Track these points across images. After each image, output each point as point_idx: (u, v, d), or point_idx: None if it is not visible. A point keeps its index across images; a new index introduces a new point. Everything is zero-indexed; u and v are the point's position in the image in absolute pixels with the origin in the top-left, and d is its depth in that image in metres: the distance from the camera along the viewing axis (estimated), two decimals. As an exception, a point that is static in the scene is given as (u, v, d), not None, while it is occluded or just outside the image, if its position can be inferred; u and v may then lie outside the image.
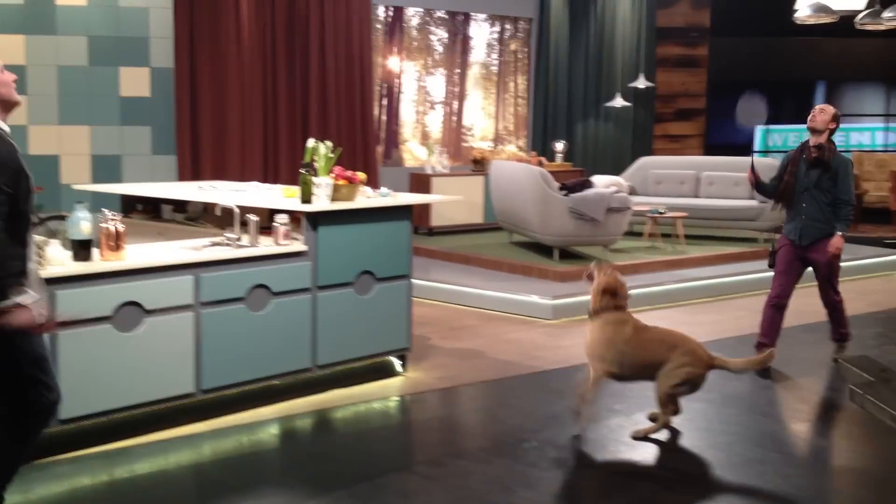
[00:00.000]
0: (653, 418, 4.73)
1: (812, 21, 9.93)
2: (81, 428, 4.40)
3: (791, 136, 14.85)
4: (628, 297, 4.71)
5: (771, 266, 6.08)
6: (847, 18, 10.21)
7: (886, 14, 9.69)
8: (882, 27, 10.02)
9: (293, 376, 5.18)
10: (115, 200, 6.42)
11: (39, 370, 3.32)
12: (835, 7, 9.79)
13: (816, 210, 5.79)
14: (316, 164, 5.33)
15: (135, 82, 9.55)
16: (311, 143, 5.40)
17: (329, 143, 5.40)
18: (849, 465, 4.39)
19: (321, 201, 5.19)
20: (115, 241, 4.37)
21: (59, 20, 9.22)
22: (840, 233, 5.75)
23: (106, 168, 9.42)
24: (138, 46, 9.54)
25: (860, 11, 10.13)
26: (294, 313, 5.08)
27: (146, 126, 9.64)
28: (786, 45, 14.10)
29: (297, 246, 5.11)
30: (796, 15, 10.04)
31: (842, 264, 6.05)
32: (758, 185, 6.02)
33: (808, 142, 5.89)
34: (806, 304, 8.02)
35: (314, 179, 5.20)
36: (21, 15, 9.11)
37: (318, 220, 5.15)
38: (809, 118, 5.86)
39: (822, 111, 5.84)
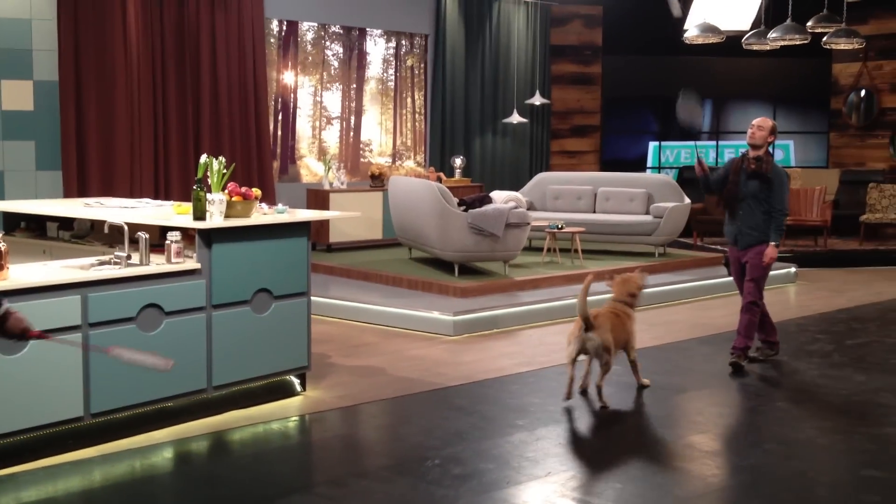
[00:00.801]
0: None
1: (700, 41, 10.26)
2: (-42, 459, 4.15)
3: (683, 152, 15.30)
4: (623, 293, 5.80)
5: (730, 274, 6.62)
6: (734, 39, 10.61)
7: (771, 35, 10.10)
8: (767, 47, 10.44)
9: (188, 398, 5.00)
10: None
11: None
12: (722, 28, 10.15)
13: (752, 218, 6.15)
14: (209, 180, 5.19)
15: (17, 95, 9.13)
16: (203, 158, 5.27)
17: (222, 159, 5.28)
18: (748, 475, 4.49)
19: (215, 218, 5.06)
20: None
21: (-65, 30, 8.76)
22: (774, 243, 6.07)
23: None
24: (21, 58, 9.14)
25: (747, 32, 10.54)
26: (188, 333, 4.92)
27: (29, 141, 9.22)
28: (676, 63, 14.55)
29: (191, 264, 4.95)
30: (685, 35, 10.36)
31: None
32: (706, 180, 6.32)
33: (747, 152, 6.22)
34: (701, 316, 8.28)
35: (207, 196, 5.07)
36: None
37: (211, 237, 5.01)
38: (749, 135, 6.22)
39: (759, 128, 6.18)
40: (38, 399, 4.31)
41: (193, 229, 5.00)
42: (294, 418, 5.23)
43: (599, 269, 9.23)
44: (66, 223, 6.14)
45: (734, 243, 6.30)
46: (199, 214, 5.04)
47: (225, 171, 5.23)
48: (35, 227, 6.28)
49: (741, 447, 4.93)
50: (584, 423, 5.16)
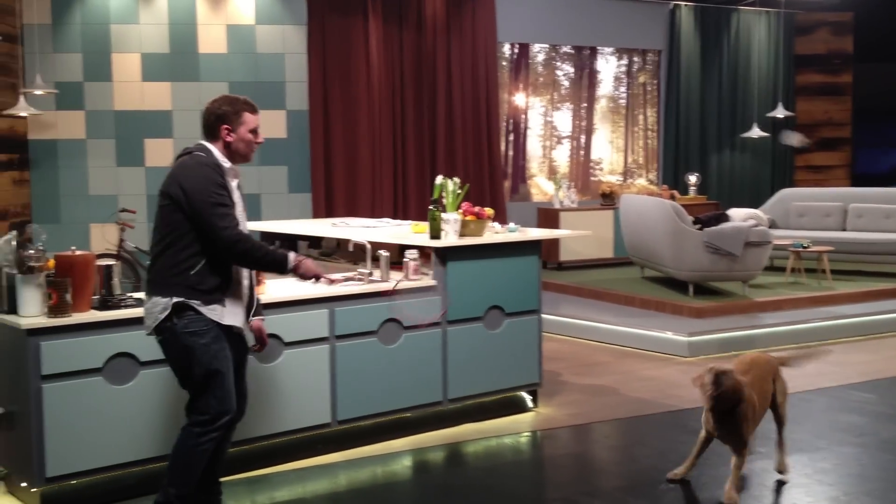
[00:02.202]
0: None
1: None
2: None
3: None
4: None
5: None
6: None
7: None
8: None
9: (425, 409, 5.17)
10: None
11: (210, 380, 3.56)
12: None
13: None
14: (444, 201, 5.37)
15: (272, 124, 9.88)
16: (439, 179, 5.44)
17: (457, 180, 5.44)
18: None
19: (449, 237, 5.20)
20: (256, 276, 4.47)
21: (202, 68, 9.68)
22: None
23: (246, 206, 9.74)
24: (275, 90, 9.91)
25: None
26: (425, 347, 5.08)
27: (283, 166, 9.96)
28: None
29: (427, 281, 5.12)
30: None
31: None
32: None
33: None
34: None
35: (442, 215, 5.23)
36: (168, 64, 9.62)
37: (446, 255, 5.15)
38: None
39: None
40: (290, 405, 4.61)
41: (430, 248, 5.18)
42: (526, 434, 5.26)
43: (852, 290, 8.62)
44: (315, 241, 6.54)
45: None
46: (435, 233, 5.21)
47: (459, 191, 5.38)
48: (288, 245, 6.73)
49: None
50: (835, 455, 4.81)
